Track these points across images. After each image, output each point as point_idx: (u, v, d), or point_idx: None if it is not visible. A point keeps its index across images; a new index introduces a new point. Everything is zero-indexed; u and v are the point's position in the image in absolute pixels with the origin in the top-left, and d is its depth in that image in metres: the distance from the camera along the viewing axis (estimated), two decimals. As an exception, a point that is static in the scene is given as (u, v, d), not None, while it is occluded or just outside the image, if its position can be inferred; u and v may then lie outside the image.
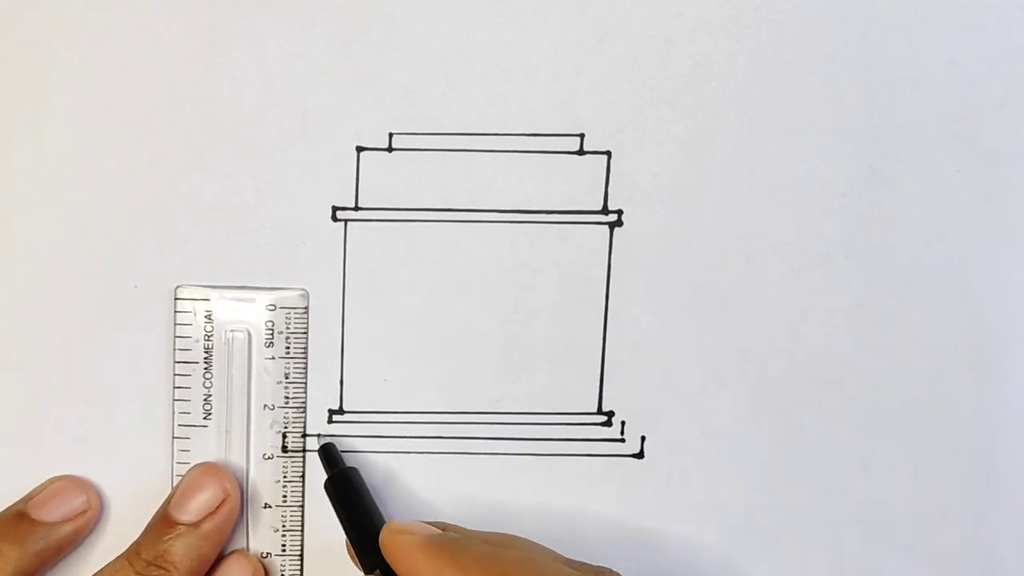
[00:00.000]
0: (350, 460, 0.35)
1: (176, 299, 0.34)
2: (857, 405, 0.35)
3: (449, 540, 0.29)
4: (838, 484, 0.35)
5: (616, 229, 0.35)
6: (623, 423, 0.35)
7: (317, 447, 0.34)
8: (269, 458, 0.35)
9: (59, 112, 0.34)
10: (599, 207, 0.35)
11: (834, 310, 0.35)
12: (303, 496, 0.35)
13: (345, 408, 0.35)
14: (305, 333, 0.35)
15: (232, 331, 0.34)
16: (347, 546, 0.33)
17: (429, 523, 0.32)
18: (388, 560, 0.30)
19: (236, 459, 0.34)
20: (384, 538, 0.30)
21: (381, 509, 0.33)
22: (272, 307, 0.34)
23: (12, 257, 0.34)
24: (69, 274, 0.34)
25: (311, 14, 0.34)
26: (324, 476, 0.34)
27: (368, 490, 0.33)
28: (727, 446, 0.35)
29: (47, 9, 0.33)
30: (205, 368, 0.34)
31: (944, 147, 0.35)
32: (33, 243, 0.34)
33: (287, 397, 0.35)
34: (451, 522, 0.34)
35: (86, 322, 0.34)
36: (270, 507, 0.35)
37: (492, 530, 0.33)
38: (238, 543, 0.35)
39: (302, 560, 0.35)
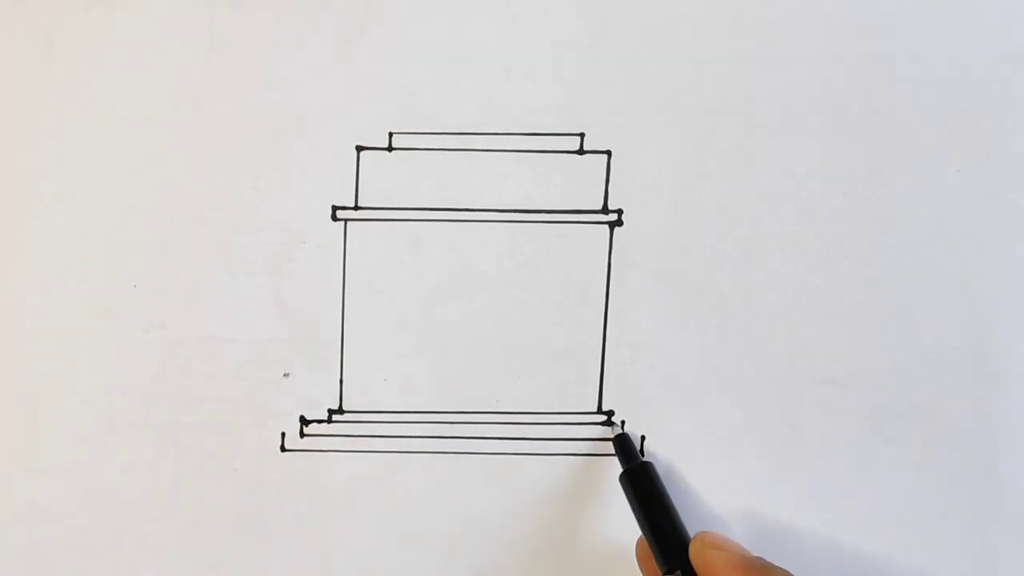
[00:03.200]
0: (350, 459, 0.35)
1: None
2: (857, 405, 0.35)
3: (765, 568, 0.29)
4: (838, 484, 0.35)
5: (616, 229, 0.35)
6: (623, 423, 0.35)
7: (611, 436, 0.34)
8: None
9: (59, 112, 0.34)
10: (599, 207, 0.35)
11: (834, 310, 0.35)
12: (306, 494, 0.35)
13: (345, 408, 0.35)
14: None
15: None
16: (638, 543, 0.33)
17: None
18: (698, 572, 0.30)
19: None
20: (697, 551, 0.31)
21: (385, 511, 0.33)
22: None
23: (12, 257, 0.34)
24: (69, 274, 0.34)
25: (311, 14, 0.34)
26: (329, 477, 0.34)
27: (663, 486, 0.33)
28: (727, 446, 0.35)
29: (47, 9, 0.33)
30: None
31: (944, 147, 0.35)
32: (33, 243, 0.34)
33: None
34: (450, 522, 0.34)
35: (86, 322, 0.34)
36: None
37: (489, 531, 0.33)
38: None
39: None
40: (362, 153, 0.34)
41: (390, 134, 0.34)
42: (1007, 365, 0.35)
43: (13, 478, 0.34)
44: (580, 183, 0.34)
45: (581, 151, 0.34)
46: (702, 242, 0.35)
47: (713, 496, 0.35)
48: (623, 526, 0.35)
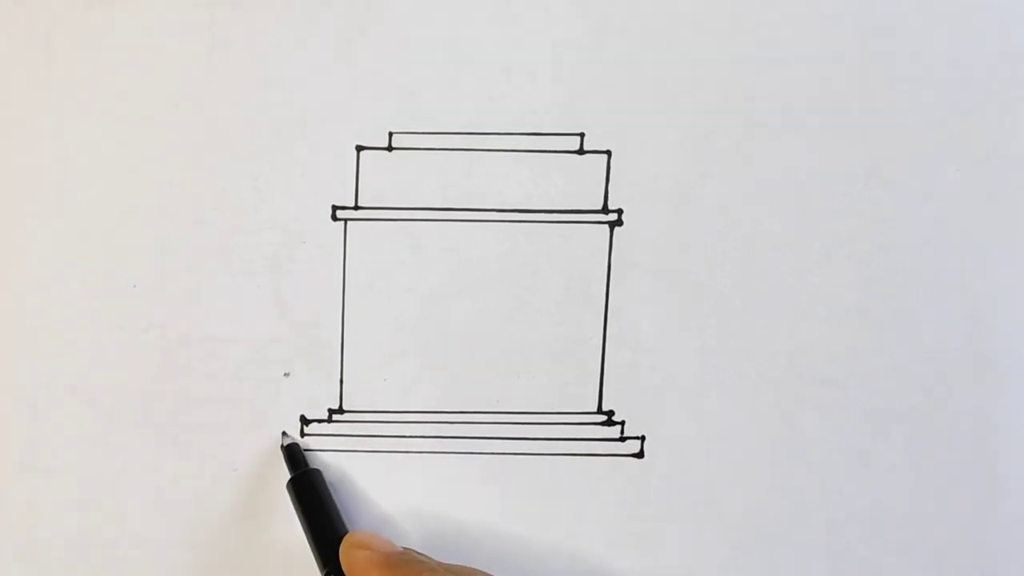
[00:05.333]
0: (350, 459, 0.35)
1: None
2: (857, 405, 0.35)
3: (405, 561, 0.30)
4: (838, 484, 0.35)
5: (616, 228, 0.35)
6: (623, 423, 0.35)
7: (281, 446, 0.34)
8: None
9: (59, 112, 0.34)
10: (599, 206, 0.35)
11: (834, 310, 0.35)
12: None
13: (345, 407, 0.35)
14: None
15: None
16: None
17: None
18: (346, 572, 0.30)
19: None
20: (343, 551, 0.31)
21: (380, 510, 0.33)
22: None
23: (12, 257, 0.34)
24: (69, 274, 0.34)
25: (311, 14, 0.34)
26: (329, 477, 0.34)
27: (330, 493, 0.33)
28: (727, 446, 0.35)
29: (47, 9, 0.33)
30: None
31: (944, 147, 0.35)
32: (33, 243, 0.34)
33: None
34: (449, 522, 0.34)
35: (86, 322, 0.34)
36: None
37: (489, 531, 0.33)
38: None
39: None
40: (362, 153, 0.34)
41: (390, 134, 0.34)
42: (1007, 365, 0.35)
43: (13, 478, 0.34)
44: (580, 183, 0.34)
45: (581, 151, 0.34)
46: (702, 242, 0.35)
47: (713, 496, 0.35)
48: (623, 526, 0.35)
